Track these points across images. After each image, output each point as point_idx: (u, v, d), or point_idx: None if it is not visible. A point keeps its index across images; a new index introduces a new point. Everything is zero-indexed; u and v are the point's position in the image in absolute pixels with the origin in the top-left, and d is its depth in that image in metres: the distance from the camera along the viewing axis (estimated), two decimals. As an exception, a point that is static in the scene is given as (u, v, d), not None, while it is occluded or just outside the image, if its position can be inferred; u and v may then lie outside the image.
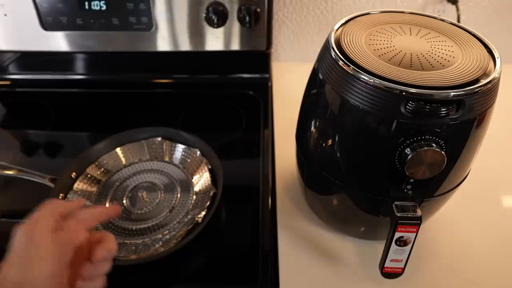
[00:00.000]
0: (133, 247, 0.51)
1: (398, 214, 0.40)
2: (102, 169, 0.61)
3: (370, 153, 0.40)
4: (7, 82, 0.84)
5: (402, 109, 0.35)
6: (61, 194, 0.56)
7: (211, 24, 0.72)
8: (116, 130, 0.65)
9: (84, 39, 0.76)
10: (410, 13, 0.47)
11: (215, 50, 0.77)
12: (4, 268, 0.30)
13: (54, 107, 0.78)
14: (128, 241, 0.52)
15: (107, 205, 0.57)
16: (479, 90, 0.35)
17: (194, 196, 0.58)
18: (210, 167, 0.60)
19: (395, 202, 0.41)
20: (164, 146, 0.64)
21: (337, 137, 0.42)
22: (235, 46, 0.77)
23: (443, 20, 0.45)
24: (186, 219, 0.54)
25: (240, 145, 0.70)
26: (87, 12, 0.72)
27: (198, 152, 0.62)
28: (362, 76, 0.36)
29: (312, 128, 0.46)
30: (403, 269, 0.44)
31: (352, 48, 0.40)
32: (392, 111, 0.36)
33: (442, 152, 0.36)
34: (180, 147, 0.63)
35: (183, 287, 0.50)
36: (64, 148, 0.70)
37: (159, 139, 0.64)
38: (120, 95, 0.82)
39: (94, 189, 0.59)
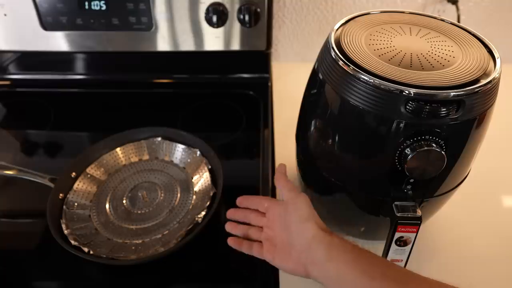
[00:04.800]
0: (133, 247, 0.51)
1: (398, 214, 0.40)
2: (102, 169, 0.61)
3: (370, 153, 0.40)
4: (7, 82, 0.84)
5: (402, 109, 0.35)
6: (61, 194, 0.56)
7: (211, 24, 0.72)
8: (116, 130, 0.65)
9: (84, 39, 0.76)
10: (410, 13, 0.47)
11: (215, 50, 0.77)
12: None
13: (54, 107, 0.78)
14: (128, 241, 0.52)
15: (107, 205, 0.57)
16: (479, 90, 0.35)
17: (194, 196, 0.58)
18: (210, 167, 0.60)
19: (395, 202, 0.41)
20: (164, 146, 0.64)
21: (337, 137, 0.42)
22: (235, 46, 0.77)
23: (443, 20, 0.45)
24: (186, 219, 0.54)
25: (240, 145, 0.70)
26: (87, 12, 0.72)
27: (198, 152, 0.62)
28: (362, 76, 0.36)
29: (312, 128, 0.46)
30: (403, 269, 0.44)
31: (352, 48, 0.40)
32: (392, 111, 0.36)
33: (442, 152, 0.36)
34: (180, 147, 0.63)
35: (183, 287, 0.50)
36: (64, 148, 0.70)
37: (159, 139, 0.64)
38: (120, 95, 0.82)
39: (94, 189, 0.59)
